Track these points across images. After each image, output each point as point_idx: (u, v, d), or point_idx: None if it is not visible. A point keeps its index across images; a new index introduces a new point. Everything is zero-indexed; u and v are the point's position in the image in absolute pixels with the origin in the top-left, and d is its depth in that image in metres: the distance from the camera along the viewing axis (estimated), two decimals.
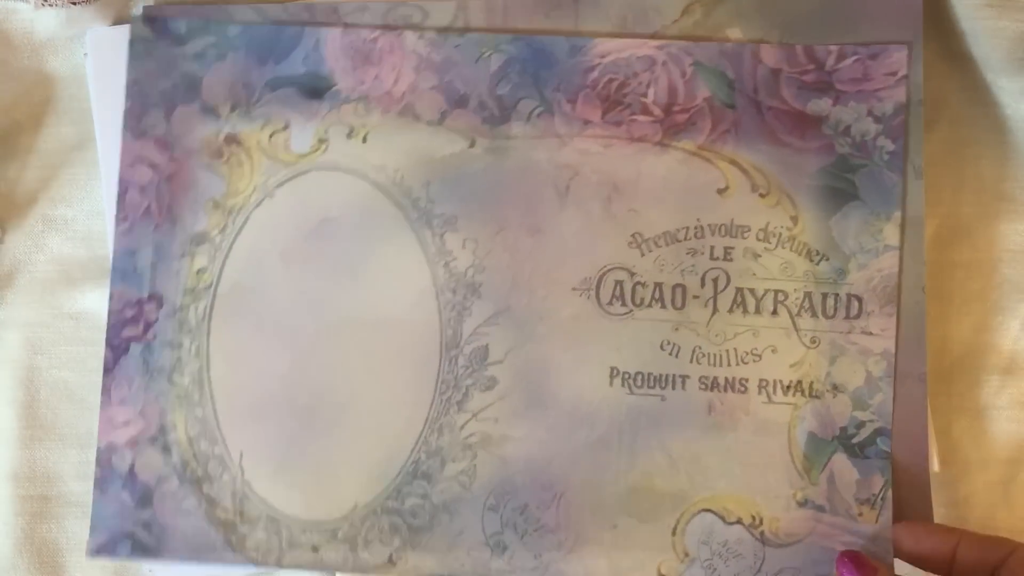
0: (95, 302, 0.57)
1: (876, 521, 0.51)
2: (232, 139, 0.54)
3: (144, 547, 0.54)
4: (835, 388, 0.51)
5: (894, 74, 0.51)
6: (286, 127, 0.54)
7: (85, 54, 0.56)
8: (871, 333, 0.51)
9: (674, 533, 0.52)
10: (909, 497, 0.51)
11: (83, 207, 0.58)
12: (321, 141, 0.54)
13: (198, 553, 0.54)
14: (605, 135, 0.53)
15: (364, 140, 0.54)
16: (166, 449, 0.54)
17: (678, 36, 0.53)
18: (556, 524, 0.52)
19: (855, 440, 0.51)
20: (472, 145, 0.53)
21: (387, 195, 0.54)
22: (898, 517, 0.50)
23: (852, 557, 0.49)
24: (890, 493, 0.51)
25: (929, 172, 0.53)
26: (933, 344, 0.54)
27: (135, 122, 0.54)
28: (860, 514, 0.51)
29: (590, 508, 0.52)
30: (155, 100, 0.54)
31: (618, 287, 0.52)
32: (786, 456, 0.51)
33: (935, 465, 0.53)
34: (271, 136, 0.54)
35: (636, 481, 0.52)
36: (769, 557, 0.51)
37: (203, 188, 0.54)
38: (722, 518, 0.52)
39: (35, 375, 0.57)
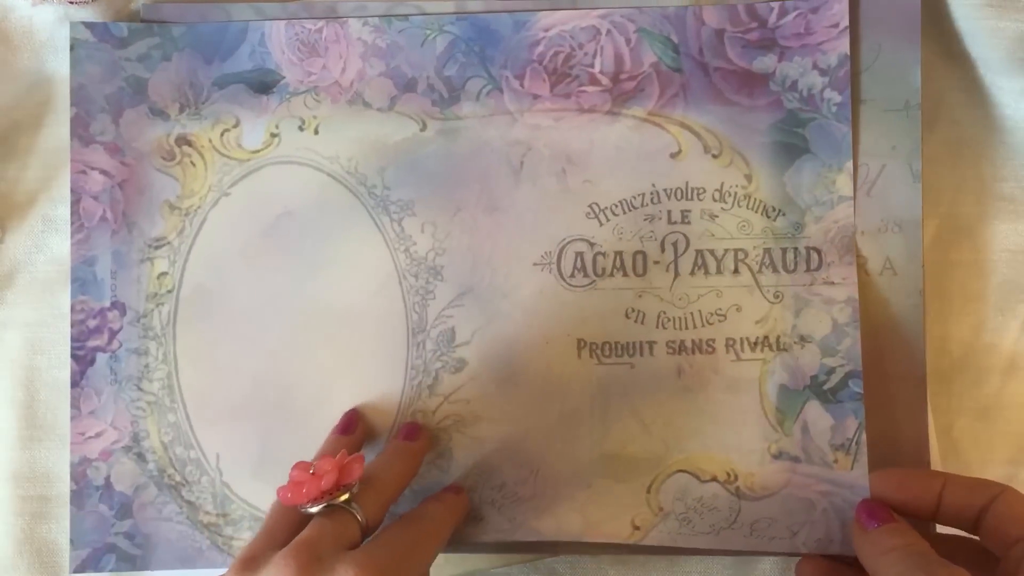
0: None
1: (851, 468, 0.51)
2: (183, 140, 0.54)
3: (130, 558, 0.54)
4: (802, 339, 0.52)
5: (836, 26, 0.52)
6: (237, 124, 0.54)
7: None
8: (833, 283, 0.52)
9: (648, 491, 0.52)
10: None
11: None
12: (273, 136, 0.54)
13: (186, 559, 0.54)
14: (555, 108, 0.53)
15: (316, 131, 0.54)
16: (141, 457, 0.54)
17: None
18: (532, 494, 0.52)
19: (826, 386, 0.52)
20: (423, 128, 0.53)
21: (343, 184, 0.53)
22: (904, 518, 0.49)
23: (872, 504, 0.48)
24: (864, 437, 0.51)
25: (929, 172, 0.53)
26: (933, 344, 0.54)
27: (83, 129, 0.54)
28: (835, 461, 0.51)
29: (565, 476, 0.52)
30: (101, 105, 0.54)
31: (579, 259, 0.52)
32: (758, 410, 0.52)
33: (936, 465, 0.52)
34: (222, 134, 0.54)
35: (610, 449, 0.52)
36: (744, 509, 0.52)
37: (157, 191, 0.54)
38: (696, 477, 0.52)
39: (35, 375, 0.57)
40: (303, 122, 0.54)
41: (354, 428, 0.52)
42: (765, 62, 0.52)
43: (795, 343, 0.52)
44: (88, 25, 0.54)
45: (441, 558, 0.53)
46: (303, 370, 0.53)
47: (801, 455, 0.52)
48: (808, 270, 0.52)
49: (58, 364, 0.56)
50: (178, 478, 0.54)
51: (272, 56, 0.54)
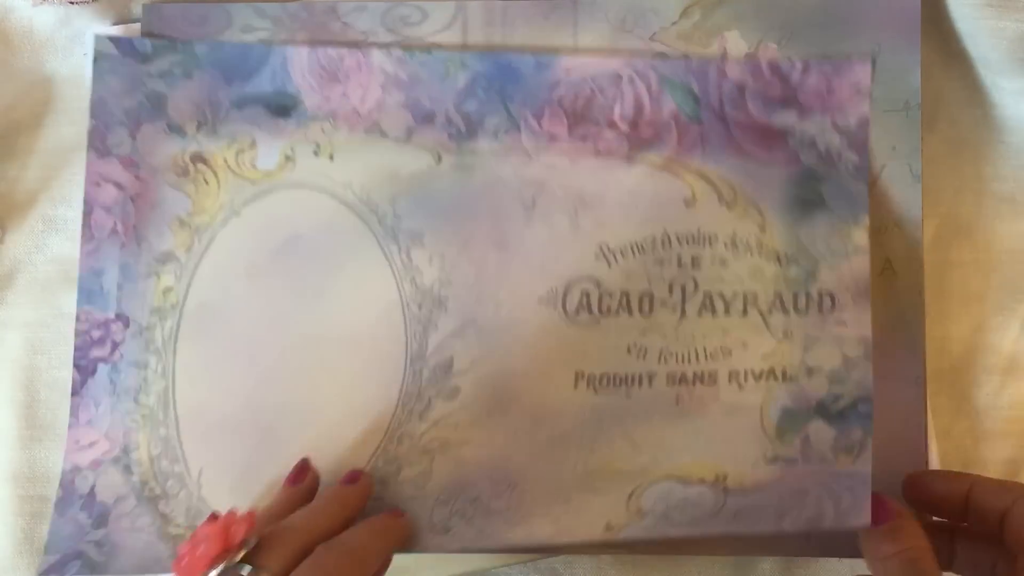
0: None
1: (853, 464, 0.50)
2: (198, 157, 0.54)
3: (93, 565, 0.53)
4: (810, 371, 0.51)
5: (857, 88, 0.51)
6: (253, 145, 0.54)
7: (85, 54, 0.56)
8: (846, 324, 0.51)
9: (629, 499, 0.51)
10: None
11: (83, 207, 0.56)
12: (288, 159, 0.54)
13: (144, 567, 0.52)
14: (572, 150, 0.53)
15: (331, 158, 0.53)
16: (128, 469, 0.53)
17: (676, 39, 0.53)
18: (507, 507, 0.51)
19: (834, 409, 0.50)
20: (439, 161, 0.53)
21: (354, 212, 0.53)
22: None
23: (876, 500, 0.48)
24: (870, 440, 0.50)
25: (929, 172, 0.53)
26: (933, 344, 0.54)
27: (100, 141, 0.54)
28: (836, 459, 0.50)
29: (544, 492, 0.51)
30: (120, 118, 0.54)
31: (585, 297, 0.52)
32: (757, 429, 0.51)
33: (935, 465, 0.52)
34: (237, 154, 0.54)
35: (595, 465, 0.51)
36: (730, 502, 0.50)
37: (169, 207, 0.54)
38: (682, 482, 0.51)
39: (35, 375, 0.57)
40: (318, 147, 0.53)
41: (303, 478, 0.50)
42: (785, 118, 0.52)
43: (802, 374, 0.51)
44: (113, 39, 0.54)
45: (438, 558, 0.53)
46: (297, 392, 0.53)
47: (799, 458, 0.50)
48: (820, 311, 0.51)
49: (58, 364, 0.56)
50: (158, 491, 0.53)
51: (293, 80, 0.54)
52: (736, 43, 0.53)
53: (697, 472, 0.51)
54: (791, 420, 0.51)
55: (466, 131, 0.53)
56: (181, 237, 0.54)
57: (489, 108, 0.53)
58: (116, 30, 0.55)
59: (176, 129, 0.54)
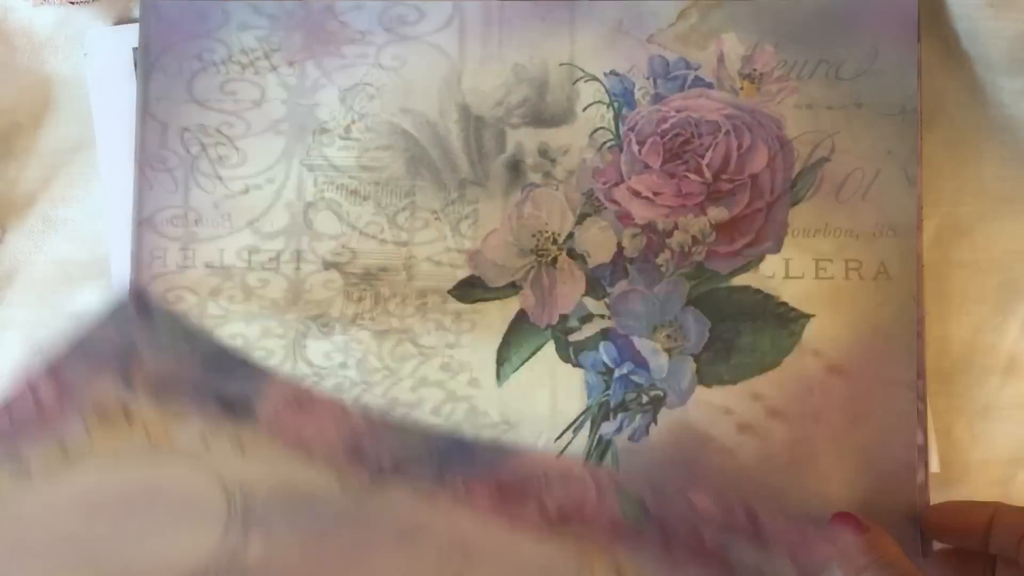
0: (95, 302, 0.54)
1: None
2: (125, 410, 0.50)
3: None
4: None
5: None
6: (182, 422, 0.50)
7: (85, 54, 0.57)
8: None
9: None
10: (902, 503, 0.50)
11: (83, 207, 0.58)
12: (202, 441, 0.49)
13: None
14: (487, 520, 0.47)
15: (242, 453, 0.49)
16: None
17: (673, 40, 0.53)
18: None
19: None
20: (341, 489, 0.48)
21: (225, 498, 0.47)
22: (893, 521, 0.49)
23: (843, 517, 0.48)
24: None
25: (929, 172, 0.54)
26: (933, 344, 0.54)
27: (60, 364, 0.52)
28: None
29: None
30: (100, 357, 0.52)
31: None
32: None
33: (935, 465, 0.53)
34: (162, 423, 0.50)
35: None
36: None
37: (62, 435, 0.49)
38: None
39: None
40: (237, 443, 0.49)
41: None
42: (742, 554, 0.45)
43: None
44: (137, 299, 0.54)
45: None
46: None
47: None
48: None
49: None
50: None
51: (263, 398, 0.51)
52: (733, 45, 0.53)
53: None
54: None
55: (389, 474, 0.48)
56: (48, 461, 0.49)
57: (422, 467, 0.48)
58: (115, 30, 0.56)
59: (126, 380, 0.51)
